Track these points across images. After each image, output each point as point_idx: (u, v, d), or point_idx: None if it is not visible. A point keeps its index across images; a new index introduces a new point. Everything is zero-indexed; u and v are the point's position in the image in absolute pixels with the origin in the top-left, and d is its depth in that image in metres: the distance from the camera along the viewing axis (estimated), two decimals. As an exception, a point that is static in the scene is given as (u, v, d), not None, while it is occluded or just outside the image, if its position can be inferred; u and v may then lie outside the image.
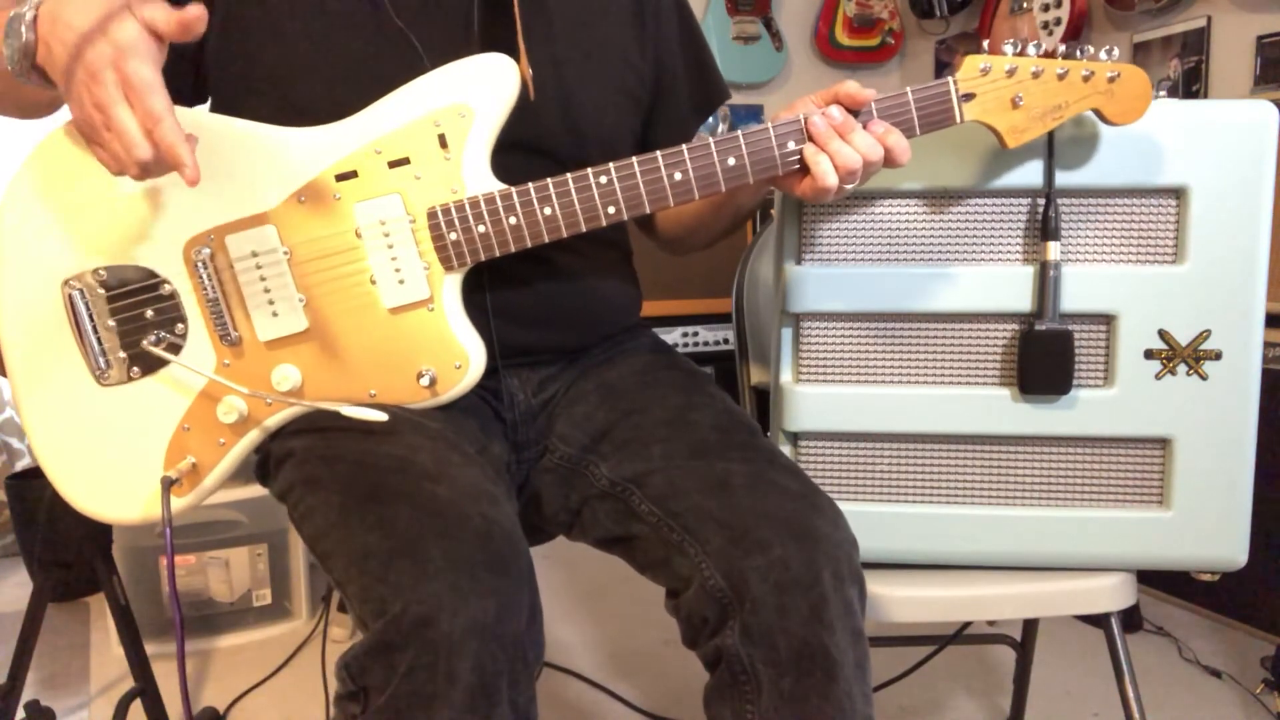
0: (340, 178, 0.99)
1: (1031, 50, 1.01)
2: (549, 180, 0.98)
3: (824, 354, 1.19)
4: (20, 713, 1.70)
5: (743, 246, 1.73)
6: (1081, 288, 1.12)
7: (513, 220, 0.99)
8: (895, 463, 1.20)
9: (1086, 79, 1.00)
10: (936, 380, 1.18)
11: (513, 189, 0.99)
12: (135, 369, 1.01)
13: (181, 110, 0.98)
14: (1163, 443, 1.15)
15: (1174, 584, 2.23)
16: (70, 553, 1.63)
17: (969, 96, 1.01)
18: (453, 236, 0.99)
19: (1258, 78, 2.52)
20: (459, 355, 1.01)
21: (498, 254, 1.00)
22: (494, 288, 1.08)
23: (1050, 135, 1.09)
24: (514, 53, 1.02)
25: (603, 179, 0.99)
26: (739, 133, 0.99)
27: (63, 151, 0.99)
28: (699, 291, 2.76)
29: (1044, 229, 1.11)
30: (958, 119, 1.01)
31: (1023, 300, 1.13)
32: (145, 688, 1.70)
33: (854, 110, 0.99)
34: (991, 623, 1.98)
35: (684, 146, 0.99)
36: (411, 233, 0.99)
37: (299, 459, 0.99)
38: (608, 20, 1.18)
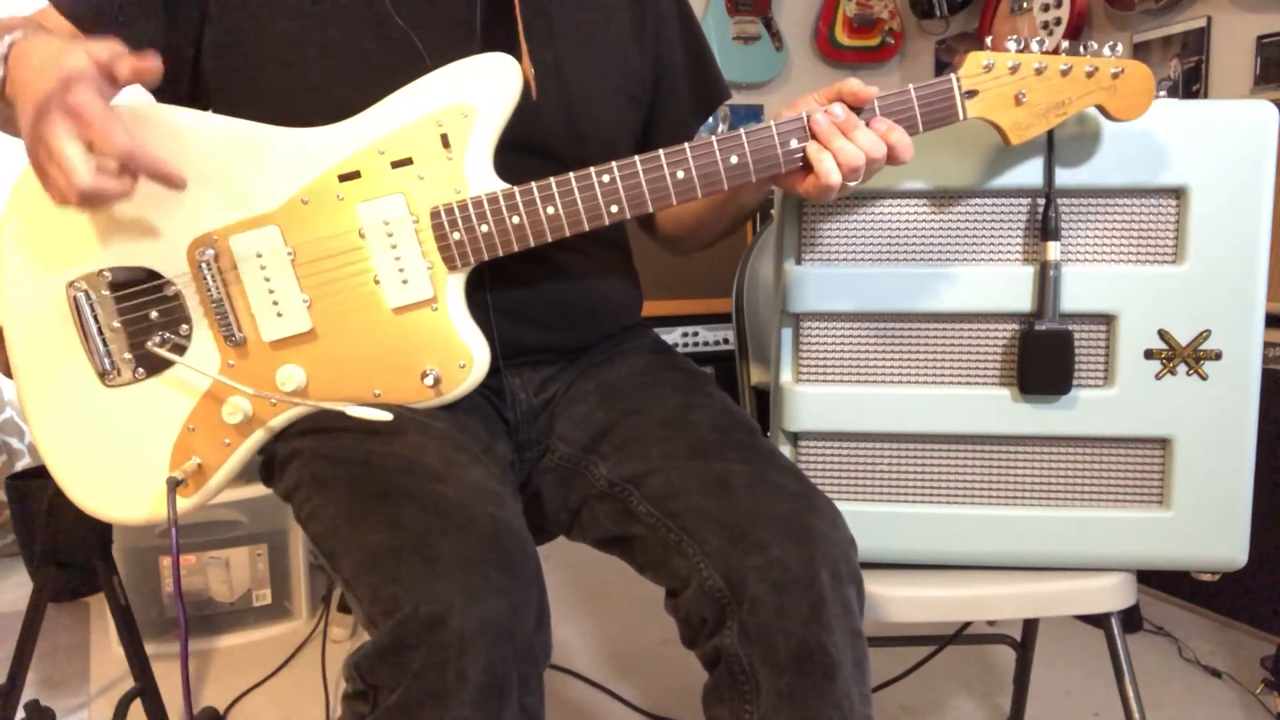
0: (343, 178, 1.00)
1: (1035, 46, 1.00)
2: (552, 179, 0.99)
3: (824, 354, 1.19)
4: (20, 713, 1.70)
5: (743, 246, 1.73)
6: (1081, 288, 1.13)
7: (516, 220, 0.99)
8: (895, 463, 1.20)
9: (1090, 75, 1.00)
10: (936, 380, 1.18)
11: (515, 188, 0.99)
12: (140, 370, 1.01)
13: (183, 111, 0.99)
14: (1163, 443, 1.16)
15: (1174, 584, 2.23)
16: (70, 553, 1.63)
17: (972, 93, 1.01)
18: (456, 236, 0.99)
19: (1258, 78, 2.52)
20: (463, 354, 1.01)
21: (501, 253, 1.00)
22: (496, 287, 1.08)
23: (1050, 135, 1.09)
24: (515, 52, 1.02)
25: (606, 178, 0.99)
26: (742, 131, 0.99)
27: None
28: (699, 291, 2.76)
29: (1044, 229, 1.11)
30: (961, 116, 1.01)
31: (1023, 300, 1.14)
32: (145, 688, 1.70)
33: (857, 108, 0.99)
34: (991, 623, 1.98)
35: (687, 145, 0.99)
36: (415, 232, 1.00)
37: (304, 459, 0.99)
38: (608, 20, 1.18)
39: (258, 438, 1.03)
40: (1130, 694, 1.21)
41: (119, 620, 1.65)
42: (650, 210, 1.00)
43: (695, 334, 2.82)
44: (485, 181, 1.00)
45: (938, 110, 1.01)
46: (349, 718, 0.86)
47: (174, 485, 1.00)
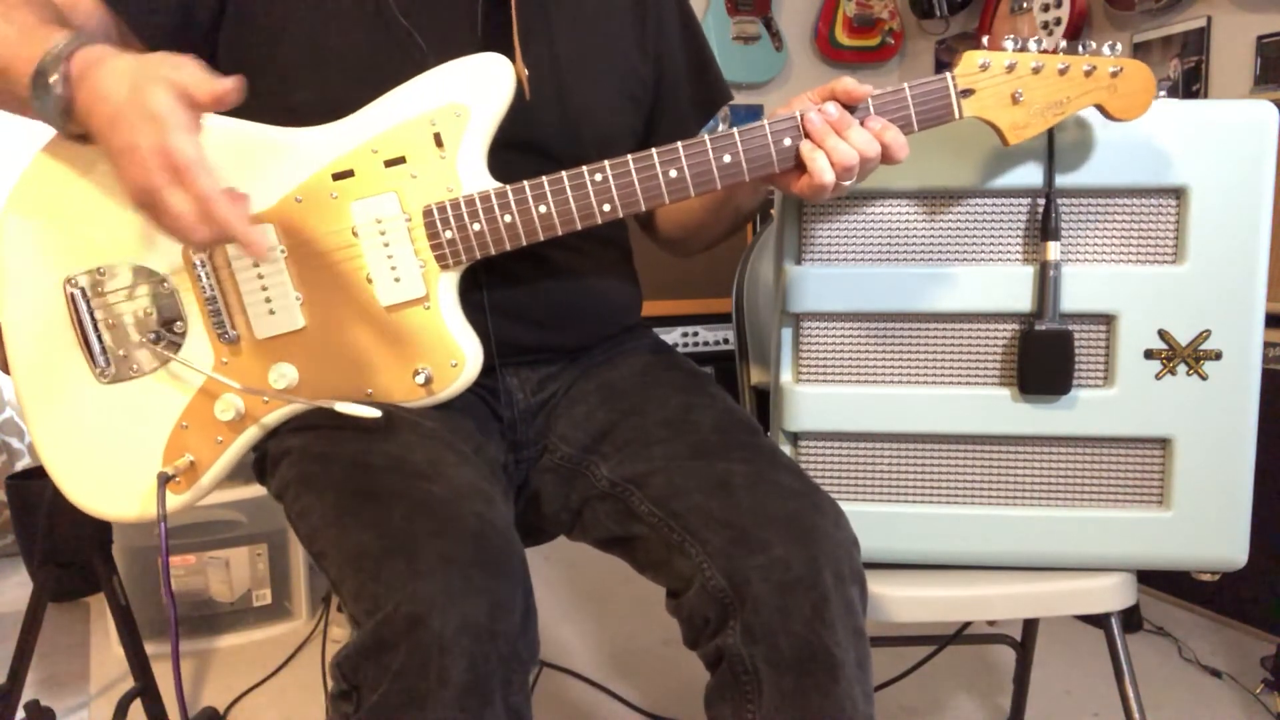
0: (337, 176, 0.99)
1: (1032, 46, 1.00)
2: (544, 178, 0.98)
3: (824, 354, 1.19)
4: (20, 713, 1.70)
5: (743, 246, 1.72)
6: (1081, 288, 1.12)
7: (508, 218, 0.99)
8: (895, 463, 1.20)
9: (1088, 74, 1.00)
10: (936, 380, 1.18)
11: (508, 187, 0.99)
12: (134, 367, 1.01)
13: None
14: (1163, 443, 1.15)
15: (1174, 584, 2.23)
16: (70, 553, 1.63)
17: (968, 92, 1.00)
18: (448, 235, 0.99)
19: (1258, 78, 2.51)
20: (455, 354, 1.00)
21: (494, 252, 1.00)
22: (493, 286, 1.08)
23: (1050, 135, 1.09)
24: (513, 52, 1.02)
25: (598, 176, 0.99)
26: (735, 130, 0.99)
27: (65, 155, 0.99)
28: (699, 291, 2.76)
29: (1044, 229, 1.11)
30: (956, 115, 1.01)
31: (1023, 300, 1.13)
32: (145, 688, 1.70)
33: (851, 106, 0.98)
34: (991, 623, 1.97)
35: (679, 144, 0.98)
36: (407, 231, 0.99)
37: (295, 457, 0.99)
38: (609, 20, 1.17)
39: (250, 435, 1.03)
40: (1130, 694, 1.20)
41: (119, 620, 1.66)
42: (643, 209, 1.00)
43: (695, 334, 2.82)
44: (478, 180, 1.00)
45: (933, 109, 1.00)
46: (334, 717, 0.86)
47: (164, 480, 1.00)
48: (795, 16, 3.60)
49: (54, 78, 0.86)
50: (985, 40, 1.01)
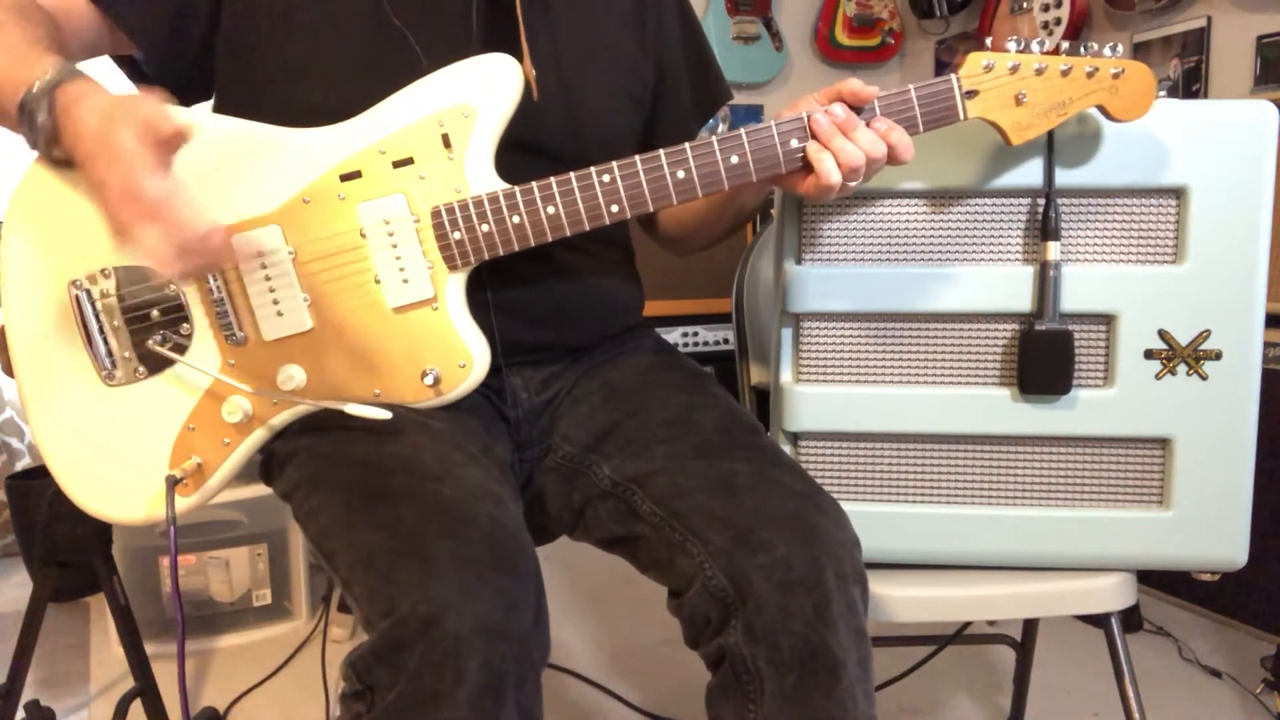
0: (345, 178, 1.00)
1: (1035, 47, 1.00)
2: (552, 179, 0.99)
3: (824, 354, 1.19)
4: (20, 713, 1.70)
5: (743, 246, 1.73)
6: (1081, 288, 1.13)
7: (516, 219, 0.99)
8: (895, 463, 1.20)
9: (1090, 75, 1.00)
10: (936, 380, 1.18)
11: (516, 188, 0.99)
12: (141, 369, 1.01)
13: (185, 111, 0.99)
14: (1163, 443, 1.16)
15: (1174, 584, 2.23)
16: (70, 553, 1.63)
17: (972, 93, 1.01)
18: (456, 236, 0.99)
19: (1258, 78, 2.52)
20: (463, 354, 1.01)
21: (501, 253, 1.00)
22: (497, 286, 1.08)
23: (1050, 135, 1.09)
24: (516, 53, 1.03)
25: (606, 177, 0.99)
26: (742, 131, 0.99)
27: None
28: (699, 291, 2.76)
29: (1044, 229, 1.11)
30: (961, 116, 1.01)
31: (1023, 300, 1.14)
32: (145, 688, 1.70)
33: (857, 108, 0.99)
34: (991, 623, 1.98)
35: (687, 145, 0.99)
36: (415, 232, 1.00)
37: (303, 458, 1.00)
38: (610, 21, 1.18)
39: (258, 437, 1.03)
40: (1130, 694, 1.21)
41: (119, 620, 1.66)
42: (651, 210, 1.00)
43: (695, 334, 2.82)
44: (486, 181, 1.00)
45: (938, 110, 1.01)
46: (346, 718, 0.86)
47: (173, 484, 1.00)
48: (795, 16, 3.61)
49: (41, 114, 0.90)
50: (989, 41, 1.01)
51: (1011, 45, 1.00)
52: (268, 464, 1.07)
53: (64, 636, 2.27)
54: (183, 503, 1.02)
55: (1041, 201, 1.12)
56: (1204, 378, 1.13)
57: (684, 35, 1.25)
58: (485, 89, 1.00)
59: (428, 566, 0.82)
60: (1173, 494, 1.16)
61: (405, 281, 1.00)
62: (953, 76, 1.01)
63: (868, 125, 0.98)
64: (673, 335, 2.78)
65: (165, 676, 1.72)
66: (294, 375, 1.00)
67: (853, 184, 0.99)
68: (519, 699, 0.83)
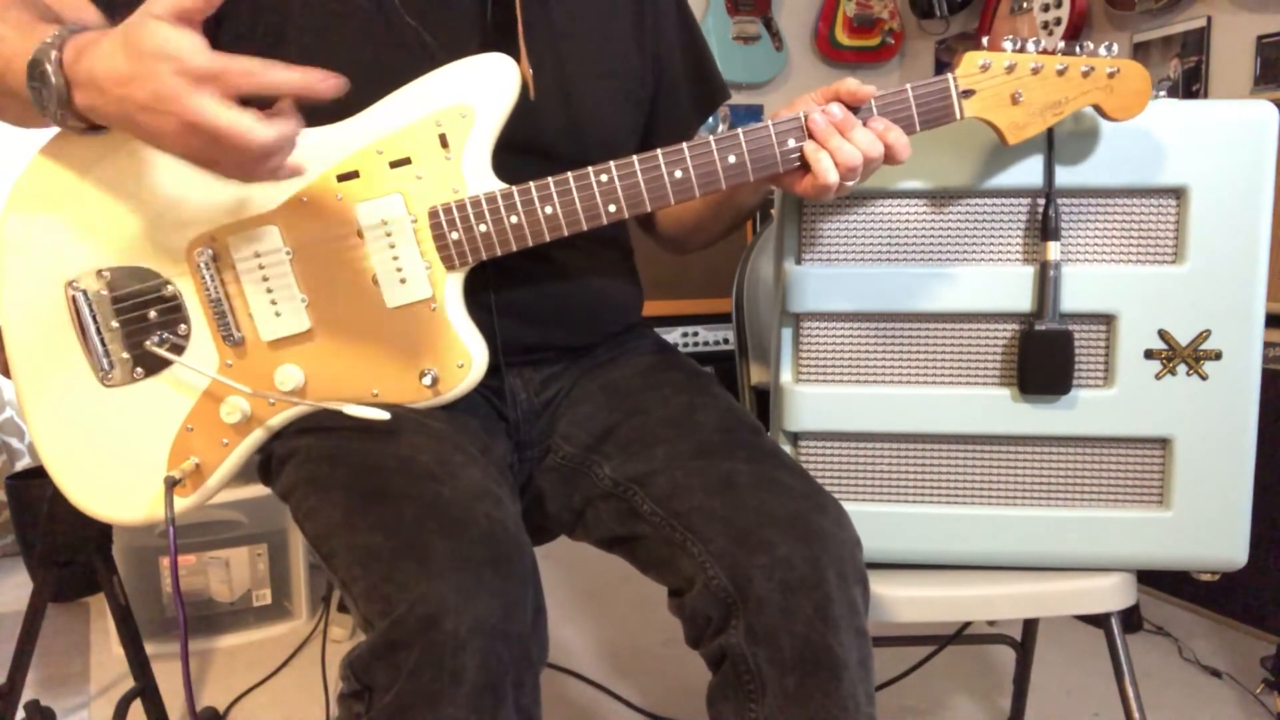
0: (342, 178, 0.99)
1: (1031, 46, 1.01)
2: (550, 179, 0.99)
3: (824, 354, 1.19)
4: (20, 713, 1.70)
5: (743, 246, 1.73)
6: (1081, 288, 1.13)
7: (514, 219, 0.99)
8: (895, 463, 1.20)
9: (1086, 74, 1.00)
10: (936, 380, 1.18)
11: (514, 188, 0.99)
12: (138, 370, 1.01)
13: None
14: (1163, 443, 1.16)
15: (1174, 584, 2.23)
16: (70, 553, 1.63)
17: (969, 93, 1.01)
18: (454, 236, 0.99)
19: (1258, 78, 2.52)
20: (461, 354, 1.01)
21: (499, 253, 1.00)
22: (496, 285, 1.08)
23: (1050, 135, 1.09)
24: (516, 52, 1.02)
25: (603, 177, 0.99)
26: (739, 130, 0.99)
27: (65, 155, 0.99)
28: (699, 291, 2.76)
29: (1044, 229, 1.11)
30: (958, 115, 1.01)
31: (1023, 300, 1.14)
32: (145, 688, 1.70)
33: (854, 107, 0.99)
34: (991, 623, 1.98)
35: (684, 145, 0.99)
36: (413, 232, 1.00)
37: (302, 459, 0.99)
38: (609, 20, 1.18)
39: (256, 437, 1.03)
40: (1130, 694, 1.21)
41: (119, 620, 1.65)
42: (648, 210, 1.00)
43: (695, 334, 2.82)
44: (483, 181, 1.00)
45: (935, 109, 1.01)
46: (345, 718, 0.86)
47: (171, 484, 1.00)
48: (795, 16, 3.61)
49: (48, 66, 0.84)
50: (985, 41, 1.01)
51: (1008, 45, 1.00)
52: (266, 464, 1.07)
53: (64, 636, 2.27)
54: (181, 503, 1.02)
55: (1041, 201, 1.12)
56: (1204, 378, 1.13)
57: (682, 34, 1.25)
58: (483, 89, 0.99)
59: (426, 566, 0.82)
60: (1173, 494, 1.15)
61: (403, 281, 1.00)
62: (949, 76, 1.01)
63: (865, 125, 0.98)
64: (673, 335, 2.77)
65: (165, 676, 1.73)
66: (292, 375, 1.00)
67: (850, 183, 0.99)
68: (518, 699, 0.83)
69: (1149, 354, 1.13)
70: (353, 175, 0.99)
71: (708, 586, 0.95)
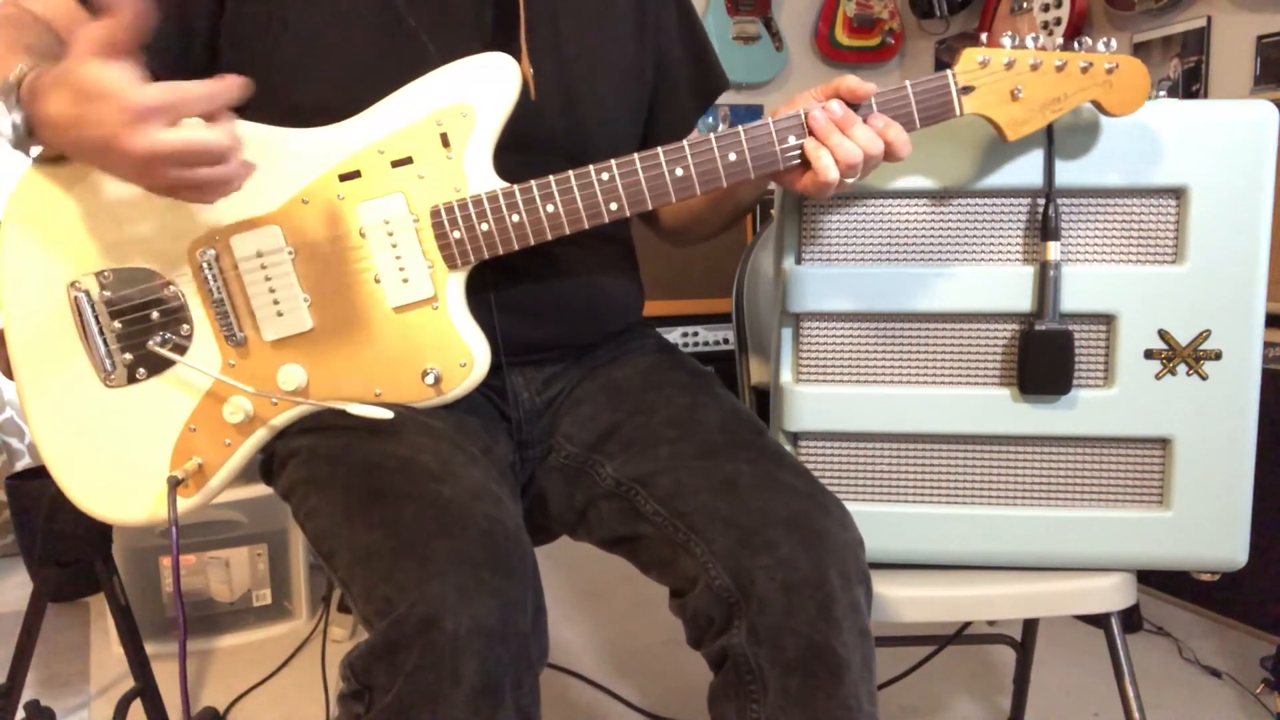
0: (344, 178, 1.00)
1: (1030, 43, 1.01)
2: (551, 177, 0.99)
3: (824, 354, 1.19)
4: (20, 713, 1.70)
5: (743, 245, 1.73)
6: (1081, 288, 1.13)
7: (516, 218, 0.99)
8: (895, 463, 1.20)
9: (1085, 70, 1.01)
10: (936, 380, 1.18)
11: (515, 187, 0.99)
12: (141, 370, 1.01)
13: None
14: (1163, 443, 1.16)
15: (1174, 584, 2.23)
16: (70, 553, 1.63)
17: (968, 89, 1.01)
18: (456, 235, 1.00)
19: (1258, 78, 2.52)
20: (463, 354, 1.01)
21: (501, 252, 1.00)
22: (500, 284, 1.08)
23: (1050, 134, 1.09)
24: (518, 52, 1.03)
25: (605, 175, 0.99)
26: (740, 128, 0.99)
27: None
28: (699, 291, 2.76)
29: (1044, 229, 1.11)
30: (957, 112, 1.02)
31: (1023, 300, 1.14)
32: (145, 688, 1.70)
33: (854, 104, 0.99)
34: (991, 623, 1.98)
35: (685, 142, 0.99)
36: (415, 232, 1.00)
37: (303, 458, 1.00)
38: (611, 18, 1.18)
39: (259, 437, 1.03)
40: (1130, 694, 1.21)
41: (119, 620, 1.65)
42: (649, 207, 1.00)
43: (695, 334, 2.82)
44: (485, 180, 1.00)
45: (934, 106, 1.01)
46: (344, 718, 0.86)
47: (174, 485, 1.00)
48: (795, 16, 3.61)
49: (11, 102, 0.85)
50: (984, 38, 1.01)
51: (1006, 41, 1.01)
52: (268, 464, 1.08)
53: (64, 636, 2.27)
54: (184, 503, 1.02)
55: (1041, 201, 1.12)
56: (1204, 378, 1.13)
57: (680, 24, 1.25)
58: (483, 87, 1.00)
59: (426, 566, 0.82)
60: (1173, 494, 1.15)
61: (405, 281, 1.00)
62: (949, 72, 1.01)
63: (865, 122, 0.98)
64: (673, 335, 2.77)
65: (165, 676, 1.72)
66: (295, 375, 1.00)
67: (850, 180, 0.99)
68: (517, 699, 0.83)
69: (1149, 354, 1.13)
70: (354, 175, 1.00)
71: (710, 587, 0.95)
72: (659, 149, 0.99)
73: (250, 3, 1.05)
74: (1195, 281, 1.12)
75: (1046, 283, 1.11)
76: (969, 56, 1.01)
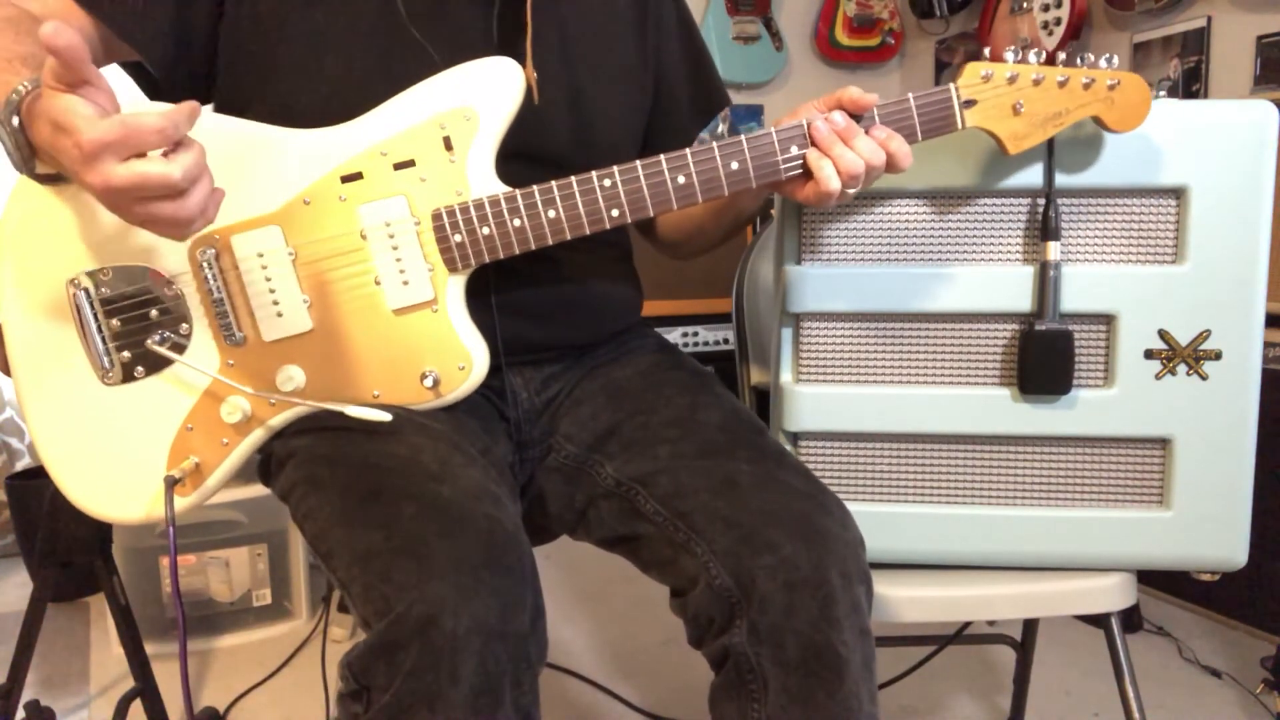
0: (345, 179, 1.00)
1: (1033, 58, 1.01)
2: (553, 183, 0.99)
3: (824, 354, 1.19)
4: (20, 713, 1.70)
5: (743, 246, 1.73)
6: (1081, 288, 1.13)
7: (517, 222, 0.99)
8: (895, 463, 1.20)
9: (1087, 86, 1.01)
10: (936, 380, 1.18)
11: (517, 191, 0.99)
12: (139, 369, 1.01)
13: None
14: (1163, 443, 1.16)
15: (1174, 584, 2.23)
16: (70, 553, 1.63)
17: (970, 103, 1.01)
18: (457, 238, 1.00)
19: (1258, 78, 2.52)
20: (462, 356, 1.01)
21: (502, 256, 1.00)
22: (497, 285, 1.08)
23: (1050, 137, 1.09)
24: (523, 57, 1.03)
25: (606, 182, 0.99)
26: (742, 137, 0.99)
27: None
28: (699, 291, 2.76)
29: (1044, 229, 1.11)
30: (959, 125, 1.02)
31: (1023, 300, 1.14)
32: (145, 688, 1.70)
33: (856, 115, 0.99)
34: (991, 623, 1.98)
35: (687, 150, 0.99)
36: (416, 235, 1.00)
37: (301, 459, 0.99)
38: (614, 28, 1.18)
39: (256, 437, 1.03)
40: (1130, 694, 1.21)
41: (119, 620, 1.66)
42: (651, 214, 1.00)
43: (695, 334, 2.82)
44: (487, 184, 1.00)
45: (936, 119, 1.01)
46: (344, 717, 0.86)
47: (171, 484, 1.00)
48: (795, 16, 3.61)
49: (12, 128, 0.85)
50: (987, 51, 1.02)
51: (1009, 55, 1.01)
52: (266, 464, 1.08)
53: (64, 636, 2.27)
54: (181, 503, 1.02)
55: (1041, 201, 1.12)
56: (1204, 378, 1.13)
57: (682, 41, 1.26)
58: (487, 91, 1.00)
59: (424, 566, 0.82)
60: (1173, 494, 1.16)
61: (405, 284, 1.00)
62: (951, 86, 1.02)
63: (867, 133, 0.98)
64: (673, 335, 2.78)
65: (165, 676, 1.73)
66: (293, 376, 1.00)
67: (851, 191, 1.00)
68: (516, 699, 0.83)
69: (1149, 354, 1.13)
70: (356, 177, 1.00)
71: (711, 586, 0.95)
72: (661, 156, 0.99)
73: (248, 6, 1.05)
74: (1195, 281, 1.12)
75: (1046, 283, 1.11)
76: (972, 70, 1.01)
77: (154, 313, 1.00)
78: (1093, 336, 1.15)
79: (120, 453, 1.02)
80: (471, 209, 0.99)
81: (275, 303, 1.00)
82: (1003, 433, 1.17)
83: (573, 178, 0.99)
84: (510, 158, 1.02)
